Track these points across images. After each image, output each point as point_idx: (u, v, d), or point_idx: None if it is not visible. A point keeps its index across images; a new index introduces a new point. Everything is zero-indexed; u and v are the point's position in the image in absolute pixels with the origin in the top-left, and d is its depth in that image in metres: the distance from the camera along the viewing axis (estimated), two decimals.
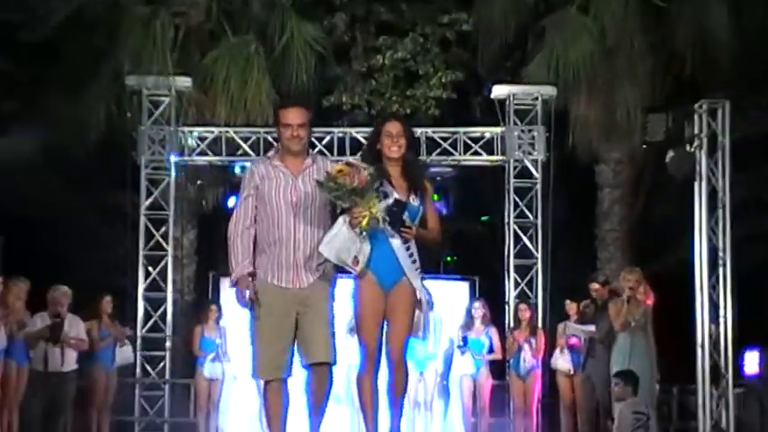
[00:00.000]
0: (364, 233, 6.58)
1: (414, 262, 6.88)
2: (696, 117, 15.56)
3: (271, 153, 7.24)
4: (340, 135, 16.43)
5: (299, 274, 6.84)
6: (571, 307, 14.99)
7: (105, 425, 14.59)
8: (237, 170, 16.72)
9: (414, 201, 6.86)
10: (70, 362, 13.81)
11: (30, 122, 17.71)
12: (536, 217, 16.53)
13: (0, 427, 13.39)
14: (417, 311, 6.95)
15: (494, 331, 15.15)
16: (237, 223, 6.92)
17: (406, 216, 6.75)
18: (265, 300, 6.87)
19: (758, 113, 18.24)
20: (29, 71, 17.77)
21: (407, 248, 6.85)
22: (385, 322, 6.95)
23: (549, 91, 16.73)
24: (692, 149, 15.52)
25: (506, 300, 16.42)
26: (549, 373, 15.31)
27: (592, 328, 14.28)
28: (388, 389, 6.93)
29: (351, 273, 6.75)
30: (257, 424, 14.58)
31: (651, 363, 13.46)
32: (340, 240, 6.61)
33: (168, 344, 16.53)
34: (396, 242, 6.78)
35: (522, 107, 16.65)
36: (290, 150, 6.99)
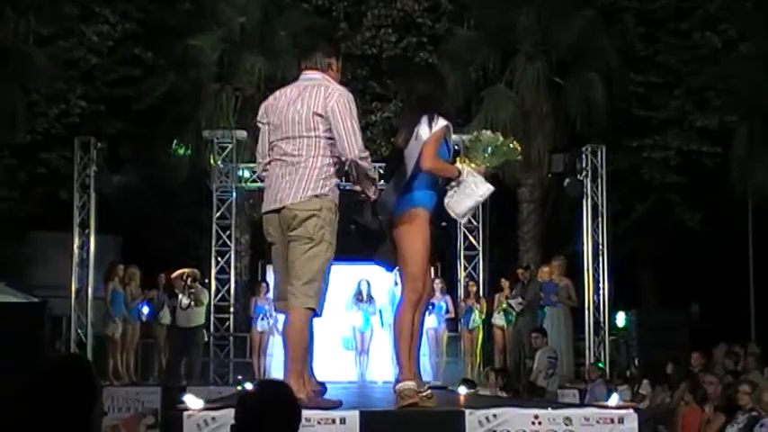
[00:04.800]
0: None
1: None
2: (583, 156, 15.62)
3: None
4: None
5: None
6: (504, 283, 15.10)
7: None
8: None
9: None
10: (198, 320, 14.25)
11: (139, 163, 18.01)
12: (478, 222, 16.35)
13: (122, 364, 13.67)
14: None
15: (449, 299, 15.23)
16: None
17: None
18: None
19: (624, 153, 18.30)
20: (139, 129, 17.71)
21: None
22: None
23: None
24: (581, 178, 15.56)
25: (458, 278, 16.31)
26: (488, 328, 15.37)
27: (521, 300, 14.59)
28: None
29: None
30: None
31: (569, 324, 13.97)
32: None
33: (232, 309, 16.40)
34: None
35: None
36: None
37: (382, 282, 14.32)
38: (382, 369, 14.03)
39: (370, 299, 15.05)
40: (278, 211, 4.79)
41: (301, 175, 4.71)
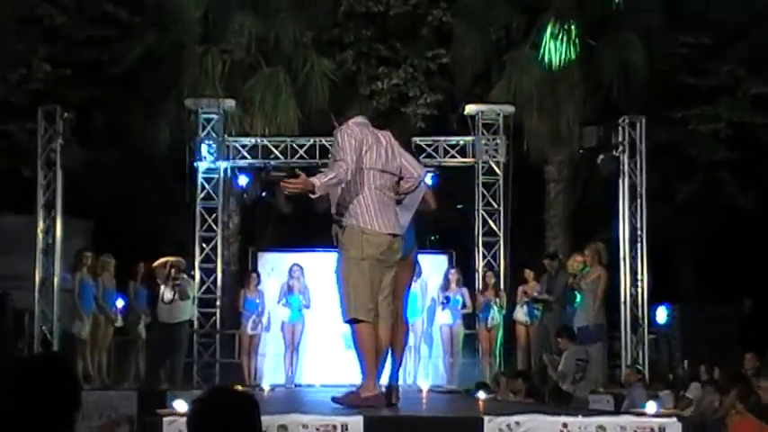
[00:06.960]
0: None
1: None
2: (620, 129, 15.36)
3: None
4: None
5: None
6: (528, 274, 15.14)
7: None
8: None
9: None
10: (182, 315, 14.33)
11: (115, 135, 17.97)
12: (499, 205, 16.29)
13: (92, 362, 13.68)
14: None
15: (465, 291, 15.23)
16: None
17: None
18: None
19: (667, 126, 18.14)
20: (113, 97, 17.58)
21: None
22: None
23: (509, 109, 16.57)
24: (617, 154, 15.36)
25: (476, 268, 16.19)
26: (509, 324, 15.35)
27: (545, 295, 14.59)
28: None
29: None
30: (282, 365, 14.81)
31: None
32: None
33: (218, 303, 16.34)
34: None
35: (488, 121, 16.38)
36: None
37: None
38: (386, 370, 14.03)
39: None
40: (395, 235, 6.15)
41: (396, 210, 6.22)
